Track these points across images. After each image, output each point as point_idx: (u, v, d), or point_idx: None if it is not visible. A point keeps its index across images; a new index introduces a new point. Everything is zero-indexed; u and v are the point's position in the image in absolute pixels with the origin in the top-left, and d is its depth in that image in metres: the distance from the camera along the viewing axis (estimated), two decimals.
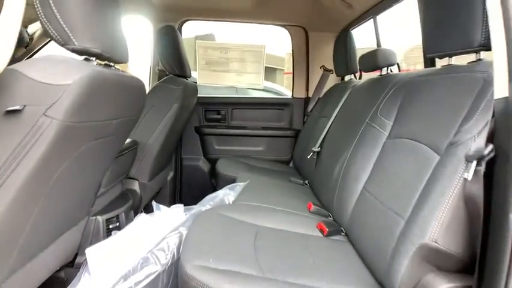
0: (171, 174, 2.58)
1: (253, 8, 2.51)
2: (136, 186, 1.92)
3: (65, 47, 0.92)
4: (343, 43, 2.26)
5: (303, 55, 2.83)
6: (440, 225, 0.81)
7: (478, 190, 0.72)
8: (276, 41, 3.45)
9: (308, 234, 1.34)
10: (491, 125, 0.71)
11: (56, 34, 0.90)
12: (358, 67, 2.11)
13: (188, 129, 2.75)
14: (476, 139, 0.82)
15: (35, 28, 1.95)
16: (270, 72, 5.20)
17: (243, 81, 2.81)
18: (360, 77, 2.40)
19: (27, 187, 0.87)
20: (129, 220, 1.62)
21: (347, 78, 2.46)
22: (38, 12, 0.87)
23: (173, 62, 2.17)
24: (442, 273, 0.82)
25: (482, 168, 0.70)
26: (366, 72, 2.08)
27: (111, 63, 1.13)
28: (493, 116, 0.71)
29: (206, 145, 2.82)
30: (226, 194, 1.71)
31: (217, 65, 2.78)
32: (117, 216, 1.58)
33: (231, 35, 3.49)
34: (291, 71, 2.93)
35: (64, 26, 0.89)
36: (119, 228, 1.53)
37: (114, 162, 1.47)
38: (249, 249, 1.13)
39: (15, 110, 0.79)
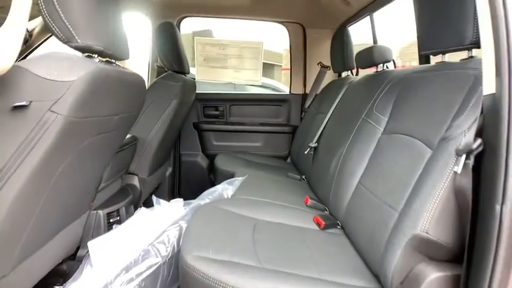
0: (170, 169, 2.60)
1: (251, 5, 2.53)
2: (136, 181, 1.94)
3: (68, 45, 0.94)
4: (340, 40, 2.28)
5: (300, 51, 2.85)
6: (431, 216, 0.84)
7: (467, 183, 0.74)
8: (274, 36, 3.46)
9: (305, 227, 1.37)
10: (480, 120, 0.74)
11: (59, 32, 0.92)
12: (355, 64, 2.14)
13: (187, 125, 2.77)
14: (466, 134, 0.85)
15: (34, 24, 1.96)
16: (268, 68, 5.22)
17: (241, 77, 2.84)
18: (357, 74, 2.43)
19: (32, 181, 0.90)
20: (129, 214, 1.64)
21: (344, 74, 2.49)
22: (42, 11, 0.89)
23: (172, 58, 2.19)
24: (433, 262, 0.85)
25: (471, 161, 0.73)
26: (363, 68, 2.11)
27: (112, 60, 1.15)
28: (482, 111, 0.74)
29: (204, 141, 2.85)
30: (225, 189, 1.74)
31: (215, 62, 2.80)
32: (118, 211, 1.61)
33: (229, 32, 3.50)
34: (289, 67, 2.95)
35: (67, 23, 0.91)
36: (119, 222, 1.56)
37: (114, 158, 1.49)
38: (248, 241, 1.16)
39: (22, 105, 0.81)
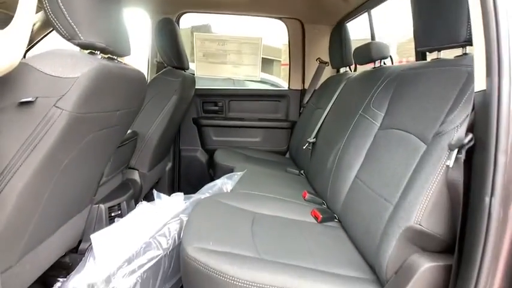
0: (170, 164, 2.62)
1: (249, 1, 2.54)
2: (136, 176, 1.97)
3: (71, 42, 0.97)
4: (339, 36, 2.30)
5: (299, 47, 2.87)
6: (424, 209, 0.87)
7: (458, 176, 0.77)
8: (273, 31, 3.47)
9: (303, 220, 1.40)
10: (471, 116, 0.77)
11: (63, 29, 0.94)
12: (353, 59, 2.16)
13: (186, 121, 2.78)
14: (459, 129, 0.87)
15: (34, 20, 1.97)
16: (267, 63, 5.22)
17: (240, 73, 2.85)
18: (355, 69, 2.45)
19: (37, 176, 0.92)
20: (130, 209, 1.67)
21: (342, 70, 2.51)
22: (46, 9, 0.91)
23: (171, 54, 2.20)
24: (426, 253, 0.88)
25: (463, 156, 0.76)
26: (360, 65, 2.13)
27: (114, 57, 1.17)
28: (474, 107, 0.76)
29: (204, 136, 2.87)
30: (224, 183, 1.76)
31: (214, 57, 2.81)
32: (119, 205, 1.63)
33: (228, 27, 3.50)
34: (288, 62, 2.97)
35: (71, 21, 0.93)
36: (120, 216, 1.58)
37: (115, 153, 1.52)
38: (247, 233, 1.19)
39: (28, 101, 0.83)
